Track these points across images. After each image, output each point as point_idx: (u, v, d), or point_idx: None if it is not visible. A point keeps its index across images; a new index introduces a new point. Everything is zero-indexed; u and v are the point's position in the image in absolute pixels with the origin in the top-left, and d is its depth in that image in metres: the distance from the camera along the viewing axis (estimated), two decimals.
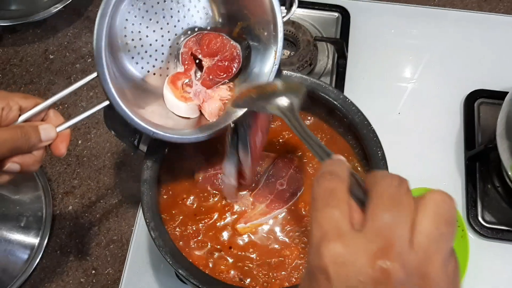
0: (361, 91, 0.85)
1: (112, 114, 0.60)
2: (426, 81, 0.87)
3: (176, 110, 0.57)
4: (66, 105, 0.86)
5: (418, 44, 0.91)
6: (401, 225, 0.28)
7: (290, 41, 0.86)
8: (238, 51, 0.58)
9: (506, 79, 0.77)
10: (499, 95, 0.78)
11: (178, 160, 0.63)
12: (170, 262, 0.54)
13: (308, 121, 0.67)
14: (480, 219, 0.74)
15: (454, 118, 0.83)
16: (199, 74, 0.59)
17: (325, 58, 0.87)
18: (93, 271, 0.73)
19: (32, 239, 0.77)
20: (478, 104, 0.83)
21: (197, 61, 0.58)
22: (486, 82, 0.84)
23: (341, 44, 0.83)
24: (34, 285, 0.74)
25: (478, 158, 0.78)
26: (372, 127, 0.61)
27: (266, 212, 0.60)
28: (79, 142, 0.82)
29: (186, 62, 0.57)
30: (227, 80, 0.58)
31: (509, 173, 0.69)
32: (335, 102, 0.63)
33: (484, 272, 0.72)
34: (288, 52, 0.86)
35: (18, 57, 0.91)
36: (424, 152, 0.80)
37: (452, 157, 0.80)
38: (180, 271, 0.53)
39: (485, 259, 0.72)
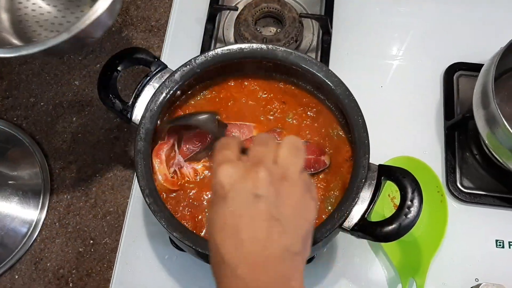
0: (345, 66, 0.87)
1: (105, 87, 0.64)
2: (409, 56, 0.90)
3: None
4: (60, 84, 0.87)
5: (402, 21, 0.93)
6: (267, 153, 0.42)
7: (276, 19, 0.88)
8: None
9: (483, 52, 0.79)
10: (477, 67, 0.80)
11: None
12: (165, 226, 0.56)
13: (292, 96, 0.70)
14: (458, 184, 0.78)
15: (435, 90, 0.86)
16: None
17: (311, 34, 0.89)
18: (91, 241, 0.76)
19: (31, 213, 0.79)
20: (457, 76, 0.86)
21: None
22: (465, 55, 0.87)
23: (325, 20, 0.85)
24: (35, 255, 0.76)
25: (457, 127, 0.81)
26: (353, 97, 0.63)
27: None
28: (74, 119, 0.84)
29: (171, 134, 0.64)
30: (198, 150, 0.64)
31: (486, 141, 0.72)
32: (318, 75, 0.65)
33: (462, 235, 0.75)
34: (274, 29, 0.88)
35: None
36: (405, 122, 0.83)
37: (432, 127, 0.83)
38: (174, 234, 0.56)
39: (463, 223, 0.76)
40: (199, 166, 0.64)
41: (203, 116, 0.61)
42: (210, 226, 0.41)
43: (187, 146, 0.64)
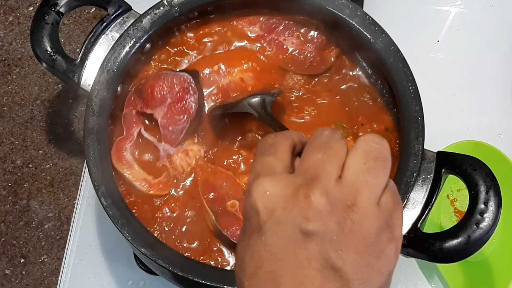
0: (385, 13, 0.79)
1: (41, 38, 0.63)
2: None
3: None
4: None
5: None
6: (328, 163, 0.38)
7: None
8: (189, 80, 0.64)
9: None
10: None
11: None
12: (129, 238, 0.56)
13: (309, 47, 0.70)
14: None
15: None
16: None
17: None
18: (22, 260, 0.76)
19: None
20: None
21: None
22: None
23: None
24: None
25: None
26: (402, 54, 0.62)
27: None
28: None
29: (131, 124, 0.65)
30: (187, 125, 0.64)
31: None
32: (350, 21, 0.65)
33: None
34: None
35: None
36: (471, 93, 0.82)
37: (508, 100, 0.82)
38: (143, 250, 0.55)
39: None
40: (193, 147, 0.65)
41: (255, 99, 0.62)
42: (237, 264, 0.39)
43: (170, 127, 0.64)
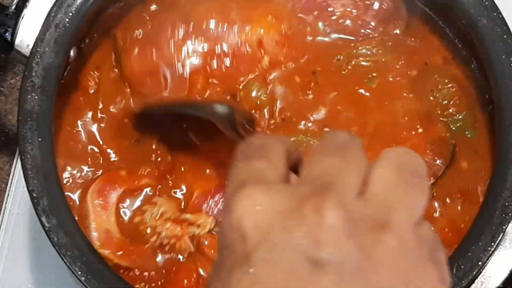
0: None
1: None
2: None
3: None
4: None
5: None
6: (346, 172, 0.37)
7: None
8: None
9: None
10: None
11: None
12: (83, 279, 0.54)
13: (367, 15, 0.69)
14: None
15: None
16: None
17: None
18: None
19: None
20: None
21: None
22: None
23: None
24: None
25: None
26: (500, 13, 0.60)
27: None
28: None
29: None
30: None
31: None
32: None
33: None
34: None
35: None
36: None
37: None
38: None
39: None
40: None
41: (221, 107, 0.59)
42: None
43: None
